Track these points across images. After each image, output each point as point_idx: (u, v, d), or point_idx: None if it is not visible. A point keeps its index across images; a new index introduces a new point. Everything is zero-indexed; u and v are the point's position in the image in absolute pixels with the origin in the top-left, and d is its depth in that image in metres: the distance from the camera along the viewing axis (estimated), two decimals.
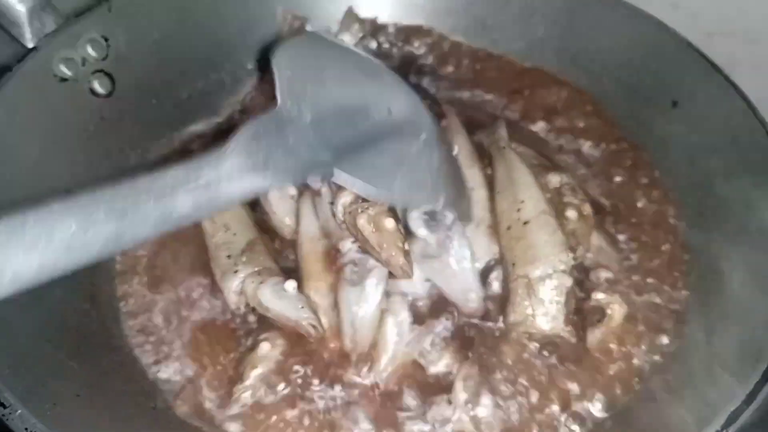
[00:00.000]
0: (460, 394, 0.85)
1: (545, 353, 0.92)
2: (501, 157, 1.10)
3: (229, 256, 1.01)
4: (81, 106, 1.11)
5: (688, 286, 1.01)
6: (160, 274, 1.05)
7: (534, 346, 0.92)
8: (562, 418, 0.89)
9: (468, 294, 0.94)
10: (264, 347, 0.93)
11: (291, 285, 0.95)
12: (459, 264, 0.93)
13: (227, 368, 0.95)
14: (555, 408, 0.89)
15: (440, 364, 0.90)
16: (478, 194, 1.05)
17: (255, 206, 1.09)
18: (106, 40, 1.14)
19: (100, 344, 0.95)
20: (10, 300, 0.82)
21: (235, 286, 0.98)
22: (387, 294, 0.93)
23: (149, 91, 1.22)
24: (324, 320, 0.95)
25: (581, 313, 0.95)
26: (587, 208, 1.04)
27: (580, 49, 1.27)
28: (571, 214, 1.02)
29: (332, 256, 0.99)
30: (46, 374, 0.82)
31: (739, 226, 0.97)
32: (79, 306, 0.97)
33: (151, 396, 0.92)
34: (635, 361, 0.94)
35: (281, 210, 1.07)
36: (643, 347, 0.95)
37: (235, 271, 0.98)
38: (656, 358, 0.94)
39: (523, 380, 0.90)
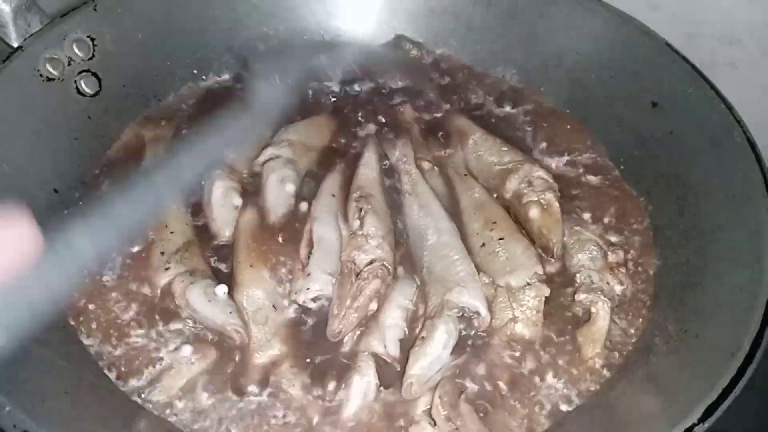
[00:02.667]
0: (440, 410, 0.85)
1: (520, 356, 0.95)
2: (463, 183, 1.14)
3: (162, 253, 1.01)
4: (67, 106, 1.12)
5: (663, 281, 1.03)
6: None
7: (511, 351, 0.95)
8: (538, 411, 0.90)
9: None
10: (185, 350, 0.92)
11: (221, 289, 0.95)
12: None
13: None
14: (531, 403, 0.91)
15: (420, 404, 0.89)
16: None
17: (197, 211, 1.08)
18: (92, 39, 1.15)
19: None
20: None
21: (164, 283, 0.98)
22: (356, 352, 0.92)
23: (136, 90, 1.23)
24: (254, 330, 0.94)
25: (571, 315, 0.98)
26: (548, 197, 1.06)
27: (558, 51, 1.28)
28: (533, 213, 1.05)
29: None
30: (35, 372, 0.82)
31: (717, 225, 0.99)
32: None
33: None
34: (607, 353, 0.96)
35: (222, 218, 1.06)
36: (617, 339, 0.97)
37: (167, 269, 0.99)
38: (630, 349, 0.96)
39: (497, 381, 0.92)
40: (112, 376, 0.91)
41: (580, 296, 0.98)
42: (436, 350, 0.89)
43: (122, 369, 0.91)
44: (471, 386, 0.91)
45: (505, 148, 1.16)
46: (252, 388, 0.90)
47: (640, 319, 0.99)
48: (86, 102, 1.15)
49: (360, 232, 1.00)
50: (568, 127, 1.25)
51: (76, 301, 0.97)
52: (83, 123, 1.14)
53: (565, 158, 1.20)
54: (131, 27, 1.21)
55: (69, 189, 1.09)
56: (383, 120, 1.24)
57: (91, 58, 1.15)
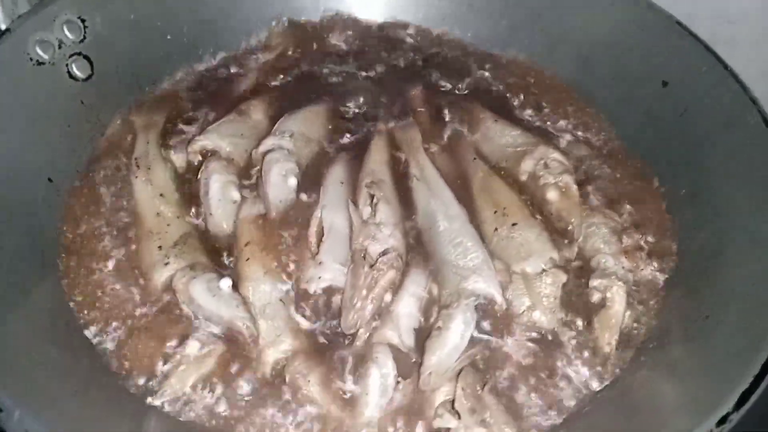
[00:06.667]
0: (464, 402, 0.82)
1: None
2: (473, 167, 1.11)
3: (160, 247, 0.97)
4: (60, 91, 1.07)
5: (681, 265, 1.00)
6: None
7: (529, 338, 0.92)
8: (557, 400, 0.89)
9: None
10: (192, 346, 0.89)
11: (226, 283, 0.92)
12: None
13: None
14: (550, 392, 0.89)
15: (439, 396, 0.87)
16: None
17: (196, 201, 1.04)
18: (83, 21, 1.10)
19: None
20: None
21: (164, 279, 0.94)
22: (371, 343, 0.89)
23: (129, 74, 1.18)
24: (263, 325, 0.90)
25: (585, 302, 0.95)
26: (566, 180, 1.04)
27: (564, 30, 1.25)
28: (551, 195, 1.03)
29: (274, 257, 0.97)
30: (42, 372, 0.78)
31: (733, 208, 0.97)
32: (61, 299, 0.94)
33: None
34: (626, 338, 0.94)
35: (220, 213, 1.01)
36: (635, 324, 0.95)
37: (166, 264, 0.95)
38: (649, 335, 0.94)
39: (516, 370, 0.90)
40: (121, 374, 0.87)
41: (595, 282, 0.95)
42: (454, 340, 0.87)
43: (130, 367, 0.88)
44: (490, 374, 0.89)
45: (517, 131, 1.13)
46: (265, 385, 0.88)
47: (658, 305, 0.97)
48: (79, 87, 1.10)
49: (372, 221, 0.97)
50: (576, 107, 1.22)
51: (80, 299, 0.94)
52: (76, 109, 1.09)
53: (574, 139, 1.18)
54: (122, 7, 1.16)
55: (64, 178, 1.05)
56: (390, 105, 1.21)
57: (82, 41, 1.10)
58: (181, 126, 1.16)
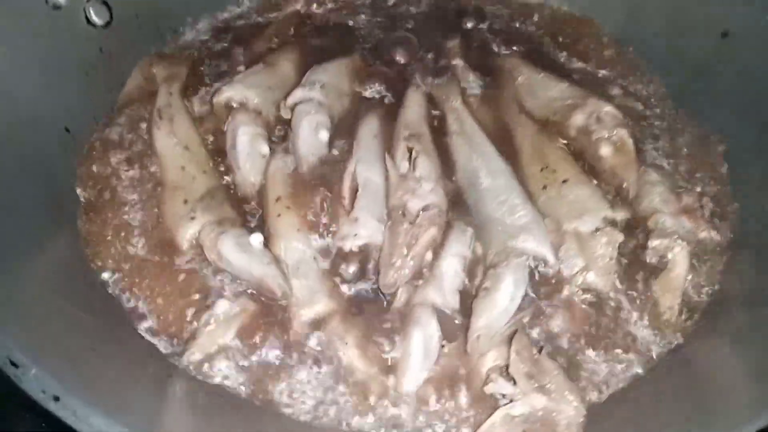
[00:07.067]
0: (520, 367, 0.76)
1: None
2: (517, 122, 1.04)
3: (185, 201, 0.91)
4: (77, 37, 1.01)
5: (744, 226, 0.94)
6: None
7: (583, 302, 0.86)
8: (613, 368, 0.83)
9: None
10: (221, 305, 0.83)
11: (257, 239, 0.86)
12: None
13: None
14: (614, 355, 0.84)
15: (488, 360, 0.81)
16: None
17: (222, 156, 0.98)
18: None
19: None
20: (9, 245, 0.75)
21: (190, 234, 0.89)
22: (412, 304, 0.83)
23: (150, 22, 1.12)
24: (296, 284, 0.84)
25: (642, 265, 0.89)
26: (620, 134, 0.96)
27: None
28: (605, 151, 0.96)
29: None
30: (59, 329, 0.73)
31: None
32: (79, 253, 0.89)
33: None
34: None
35: (248, 167, 0.95)
36: (695, 288, 0.89)
37: (192, 218, 0.89)
38: (711, 300, 0.88)
39: (576, 335, 0.85)
40: (144, 334, 0.82)
41: (654, 242, 0.88)
42: (504, 302, 0.80)
43: (155, 327, 0.83)
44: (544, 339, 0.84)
45: (564, 84, 1.05)
46: (297, 347, 0.82)
47: (722, 268, 0.90)
48: (97, 33, 1.03)
49: (411, 175, 0.91)
50: (624, 59, 1.15)
51: (99, 254, 0.89)
52: (95, 57, 1.03)
53: (623, 92, 1.10)
54: None
55: (82, 128, 0.99)
56: (426, 57, 1.14)
57: None
58: (205, 77, 1.09)
